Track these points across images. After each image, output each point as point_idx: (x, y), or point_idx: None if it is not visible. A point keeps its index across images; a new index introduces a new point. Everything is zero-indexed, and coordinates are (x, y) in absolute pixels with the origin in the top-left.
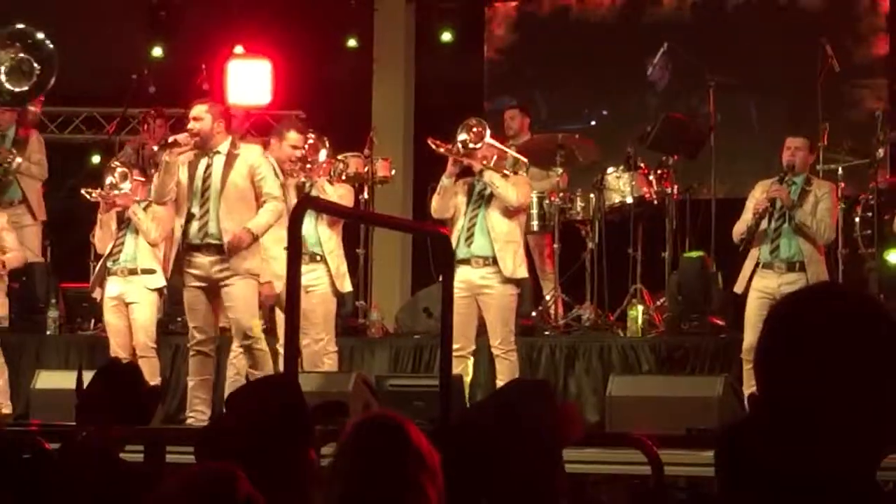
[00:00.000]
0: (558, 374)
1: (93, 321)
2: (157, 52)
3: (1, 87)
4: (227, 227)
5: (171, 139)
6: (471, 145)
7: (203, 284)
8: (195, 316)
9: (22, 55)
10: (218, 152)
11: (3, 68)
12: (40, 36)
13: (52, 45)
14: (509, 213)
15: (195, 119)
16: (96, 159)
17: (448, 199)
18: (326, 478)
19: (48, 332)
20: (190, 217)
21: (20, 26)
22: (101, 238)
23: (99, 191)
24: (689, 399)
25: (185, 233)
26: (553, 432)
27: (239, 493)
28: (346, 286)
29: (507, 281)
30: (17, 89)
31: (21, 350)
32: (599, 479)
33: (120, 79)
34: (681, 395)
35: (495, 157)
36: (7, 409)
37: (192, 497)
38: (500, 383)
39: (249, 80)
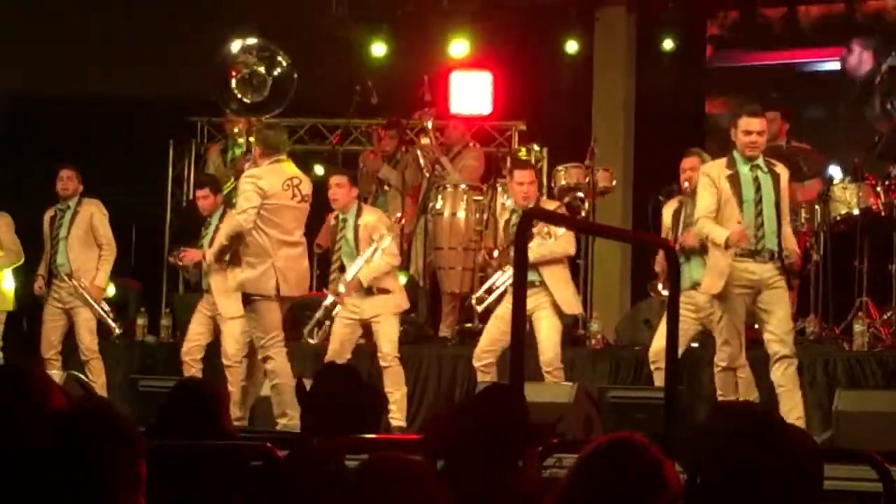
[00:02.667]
0: None
1: (315, 330)
2: (379, 51)
3: (229, 96)
4: None
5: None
6: None
7: None
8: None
9: (255, 69)
10: None
11: (234, 78)
12: (279, 54)
13: (290, 66)
14: None
15: None
16: (319, 170)
17: None
18: (561, 490)
19: None
20: None
21: (259, 41)
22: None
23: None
24: None
25: None
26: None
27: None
28: (575, 308)
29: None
30: (244, 99)
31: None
32: (827, 495)
33: (342, 89)
34: None
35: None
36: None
37: (377, 485)
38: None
39: (471, 90)
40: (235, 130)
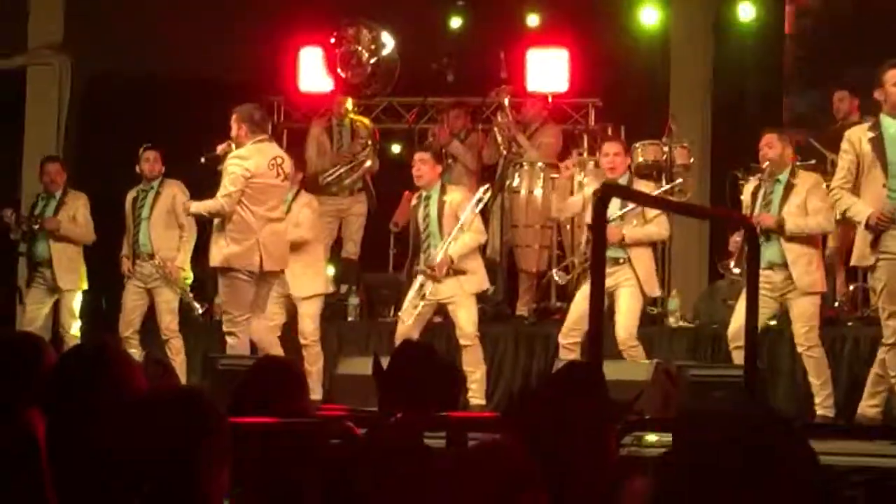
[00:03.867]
0: (861, 365)
1: (392, 308)
2: (455, 24)
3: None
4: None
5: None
6: None
7: None
8: None
9: (359, 47)
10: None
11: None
12: (387, 43)
13: (394, 54)
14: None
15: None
16: (396, 149)
17: None
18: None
19: (349, 319)
20: None
21: (377, 25)
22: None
23: None
24: None
25: None
26: None
27: (509, 466)
28: (655, 289)
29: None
30: (345, 76)
31: (323, 336)
32: None
33: (418, 68)
34: None
35: None
36: (317, 395)
37: (469, 471)
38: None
39: (547, 68)
40: (342, 110)
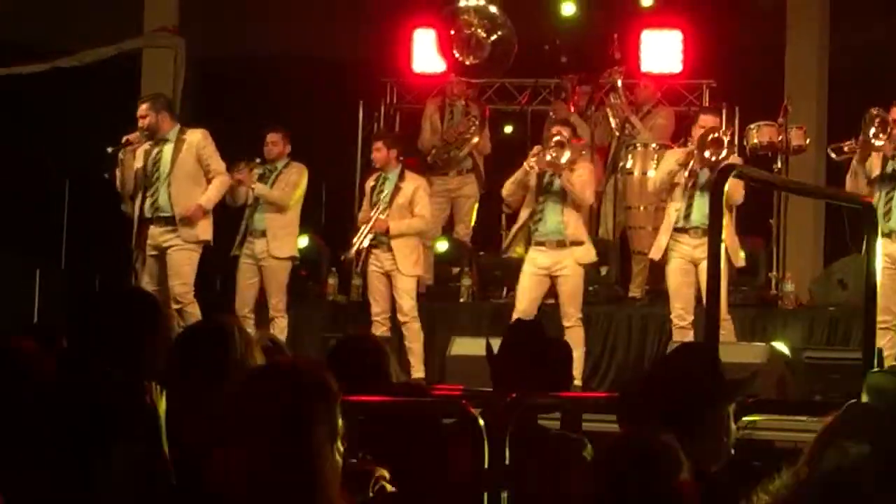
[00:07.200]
0: None
1: (504, 289)
2: (568, 10)
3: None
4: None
5: (123, 139)
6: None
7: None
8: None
9: (475, 30)
10: (167, 140)
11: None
12: (501, 19)
13: (510, 31)
14: None
15: (140, 117)
16: (508, 129)
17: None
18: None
19: (461, 300)
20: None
21: (482, 3)
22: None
23: None
24: None
25: None
26: None
27: (666, 457)
28: (740, 260)
29: None
30: (465, 61)
31: (436, 317)
32: None
33: (530, 49)
34: None
35: None
36: (419, 373)
37: (624, 460)
38: None
39: (661, 49)
40: (457, 92)
